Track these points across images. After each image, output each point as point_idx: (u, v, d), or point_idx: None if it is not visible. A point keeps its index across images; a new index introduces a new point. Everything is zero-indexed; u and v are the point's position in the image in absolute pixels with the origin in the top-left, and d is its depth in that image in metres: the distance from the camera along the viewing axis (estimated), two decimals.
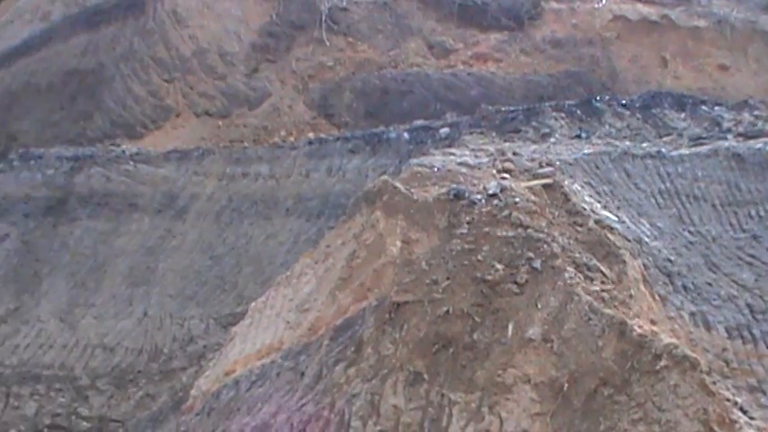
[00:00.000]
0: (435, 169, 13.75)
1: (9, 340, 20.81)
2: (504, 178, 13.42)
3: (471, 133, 18.61)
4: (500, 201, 12.22)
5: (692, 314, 12.28)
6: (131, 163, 23.44)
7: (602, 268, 11.29)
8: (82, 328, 20.59)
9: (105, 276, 21.40)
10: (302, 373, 11.54)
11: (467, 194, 12.35)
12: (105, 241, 22.05)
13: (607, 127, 18.68)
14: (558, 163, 14.47)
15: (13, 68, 32.26)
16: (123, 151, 24.45)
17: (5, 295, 21.71)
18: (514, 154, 15.17)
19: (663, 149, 16.13)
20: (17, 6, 36.57)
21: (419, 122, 22.47)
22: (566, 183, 13.45)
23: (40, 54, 31.76)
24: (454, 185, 12.72)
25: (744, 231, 14.24)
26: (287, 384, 11.71)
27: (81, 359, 20.10)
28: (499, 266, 11.04)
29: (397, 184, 12.62)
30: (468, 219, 11.90)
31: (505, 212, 11.91)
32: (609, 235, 12.15)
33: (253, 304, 14.67)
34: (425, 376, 10.32)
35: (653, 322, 10.68)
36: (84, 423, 19.15)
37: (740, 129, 17.79)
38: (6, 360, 20.40)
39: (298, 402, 11.22)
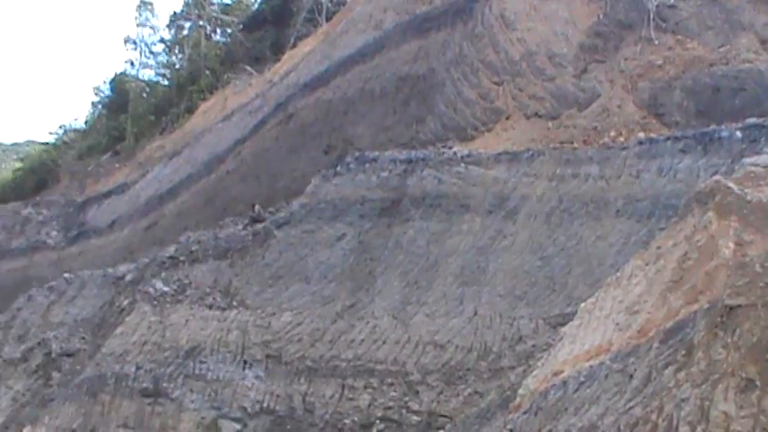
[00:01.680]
0: None
1: (345, 335, 22.33)
2: None
3: None
4: None
5: None
6: (463, 165, 24.28)
7: None
8: (414, 325, 21.71)
9: (437, 275, 22.41)
10: (631, 376, 11.58)
11: None
12: (437, 241, 23.08)
13: None
14: None
15: (348, 75, 34.43)
16: (455, 153, 25.37)
17: (342, 292, 23.28)
18: None
19: None
20: (351, 17, 38.97)
21: (752, 120, 21.70)
22: None
23: (373, 61, 33.72)
24: None
25: None
26: (615, 386, 11.80)
27: (412, 355, 21.22)
28: None
29: (730, 185, 12.33)
30: None
31: None
32: None
33: (582, 305, 14.72)
34: (758, 383, 10.00)
35: None
36: (414, 417, 20.18)
37: None
38: (342, 354, 21.89)
39: (625, 405, 11.29)
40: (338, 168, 26.65)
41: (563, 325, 15.99)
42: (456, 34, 30.78)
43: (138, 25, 71.15)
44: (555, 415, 12.76)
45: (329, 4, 53.00)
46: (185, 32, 71.45)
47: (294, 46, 50.85)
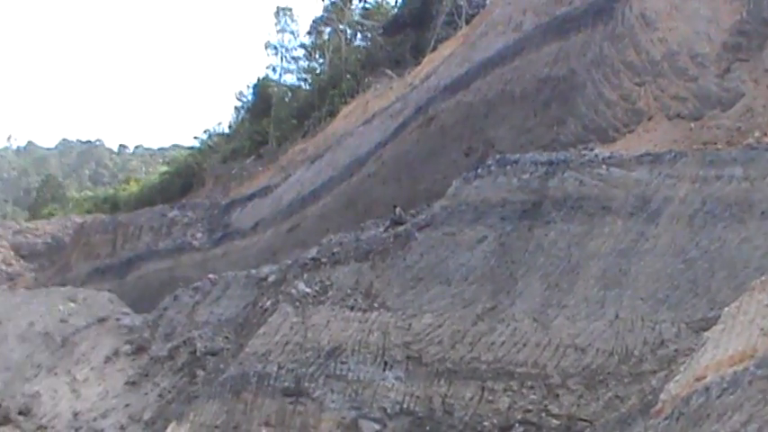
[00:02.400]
0: None
1: (485, 337, 22.44)
2: None
3: None
4: None
5: None
6: (604, 167, 24.09)
7: None
8: (555, 328, 21.70)
9: (578, 278, 22.33)
10: None
11: None
12: (578, 244, 22.98)
13: None
14: None
15: (488, 78, 34.58)
16: (596, 155, 25.20)
17: (483, 294, 23.39)
18: None
19: None
20: (491, 19, 39.09)
21: None
22: None
23: (513, 63, 33.78)
24: None
25: None
26: (759, 393, 11.74)
27: (553, 358, 21.21)
28: None
29: None
30: None
31: None
32: None
33: (726, 309, 14.63)
34: None
35: None
36: (554, 420, 20.18)
37: None
38: (482, 356, 22.02)
39: None
40: (479, 171, 26.70)
41: (706, 329, 15.86)
42: (596, 35, 30.58)
43: (277, 31, 72.81)
44: (697, 421, 12.71)
45: (468, 7, 53.21)
46: (325, 37, 72.73)
47: (434, 49, 51.26)
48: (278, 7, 72.18)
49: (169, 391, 32.27)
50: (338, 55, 67.99)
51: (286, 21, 72.58)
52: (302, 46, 75.35)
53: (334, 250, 29.47)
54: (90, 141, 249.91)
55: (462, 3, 53.99)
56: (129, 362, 36.89)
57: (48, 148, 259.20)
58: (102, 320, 44.52)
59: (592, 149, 26.45)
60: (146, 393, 33.55)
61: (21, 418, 37.36)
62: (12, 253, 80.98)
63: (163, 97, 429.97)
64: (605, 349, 20.64)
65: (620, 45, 29.56)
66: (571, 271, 22.55)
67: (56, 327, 50.15)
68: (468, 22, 49.91)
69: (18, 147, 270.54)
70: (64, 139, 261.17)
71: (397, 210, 30.43)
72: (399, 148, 40.40)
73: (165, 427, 28.22)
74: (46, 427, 35.97)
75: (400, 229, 28.06)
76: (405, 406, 22.52)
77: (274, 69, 74.76)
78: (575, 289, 22.08)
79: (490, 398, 21.20)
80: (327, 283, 27.43)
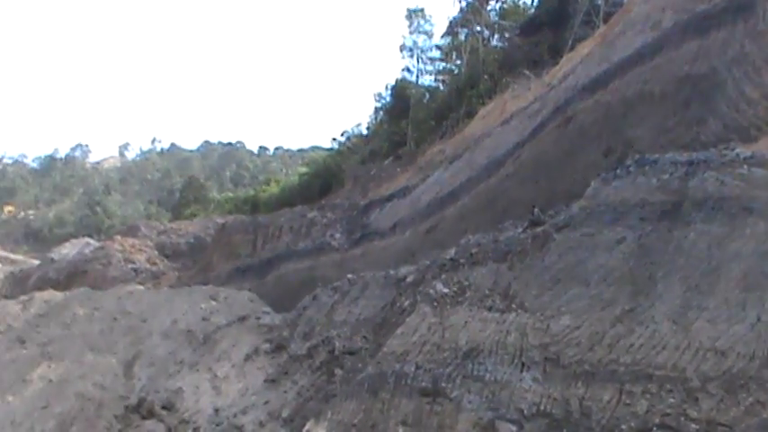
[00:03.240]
0: None
1: (624, 339, 22.29)
2: None
3: None
4: None
5: None
6: (745, 167, 23.70)
7: None
8: (694, 330, 21.40)
9: (719, 280, 21.97)
10: None
11: None
12: (719, 245, 22.62)
13: None
14: None
15: (627, 77, 34.31)
16: (737, 155, 24.73)
17: (621, 296, 23.25)
18: None
19: None
20: (629, 17, 38.75)
21: None
22: None
23: (652, 62, 33.44)
24: None
25: None
26: None
27: (692, 361, 20.94)
28: None
29: None
30: None
31: None
32: None
33: None
34: None
35: None
36: (693, 425, 19.87)
37: None
38: (621, 358, 21.90)
39: None
40: (618, 171, 26.55)
41: None
42: (737, 32, 30.04)
43: (411, 32, 73.44)
44: None
45: (606, 6, 52.79)
46: (462, 38, 73.05)
47: (572, 48, 51.10)
48: (408, 9, 72.86)
49: (307, 390, 32.95)
50: (475, 56, 68.22)
51: (418, 22, 73.19)
52: (437, 47, 75.84)
53: (473, 251, 29.63)
54: (231, 143, 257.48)
55: (600, 1, 53.64)
56: (268, 360, 37.89)
57: (190, 150, 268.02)
58: (242, 319, 45.90)
59: (733, 149, 25.92)
60: (284, 391, 34.34)
61: (164, 412, 38.86)
62: (156, 252, 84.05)
63: (302, 99, 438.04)
64: (746, 353, 20.32)
65: (761, 42, 29.01)
66: (711, 273, 22.22)
67: (198, 324, 51.92)
68: (605, 21, 49.55)
69: (162, 149, 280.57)
70: (206, 141, 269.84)
71: (536, 210, 30.34)
72: (537, 149, 40.39)
73: (303, 425, 28.75)
74: (188, 422, 37.27)
75: (538, 229, 28.01)
76: (542, 408, 22.47)
77: (409, 71, 75.47)
78: (715, 291, 21.76)
79: (628, 401, 20.99)
80: (465, 283, 27.60)
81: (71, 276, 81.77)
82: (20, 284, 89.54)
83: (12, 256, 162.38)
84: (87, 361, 53.49)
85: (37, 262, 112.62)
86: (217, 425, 35.82)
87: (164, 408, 39.13)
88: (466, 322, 25.71)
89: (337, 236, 57.73)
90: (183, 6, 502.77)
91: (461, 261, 29.29)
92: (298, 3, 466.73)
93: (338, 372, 31.88)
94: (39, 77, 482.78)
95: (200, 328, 51.01)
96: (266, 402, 34.54)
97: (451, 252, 31.26)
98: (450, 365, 24.73)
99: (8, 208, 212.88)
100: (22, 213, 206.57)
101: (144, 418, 39.69)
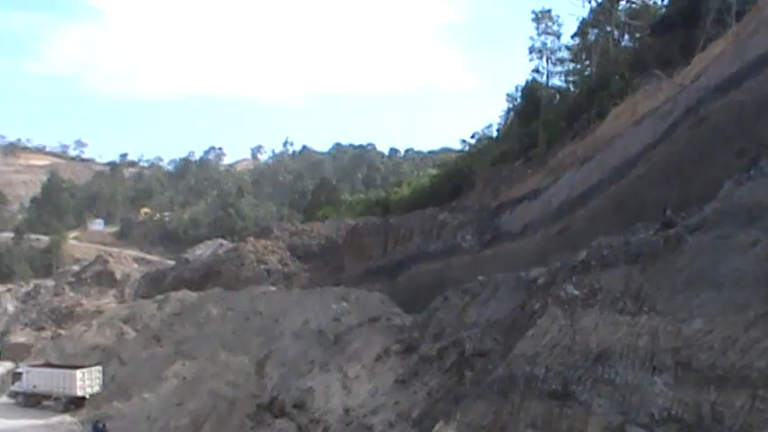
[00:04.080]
0: None
1: (758, 344, 21.77)
2: None
3: None
4: None
5: None
6: None
7: None
8: None
9: None
10: None
11: None
12: None
13: None
14: None
15: (760, 76, 33.66)
16: None
17: (755, 299, 22.77)
18: None
19: None
20: (762, 15, 37.97)
21: None
22: None
23: None
24: None
25: None
26: None
27: None
28: None
29: None
30: None
31: None
32: None
33: None
34: None
35: None
36: None
37: None
38: (755, 363, 21.49)
39: None
40: (751, 172, 26.23)
41: None
42: None
43: (539, 34, 73.09)
44: None
45: (738, 5, 51.72)
46: (591, 38, 72.43)
47: (704, 48, 50.22)
48: (534, 11, 72.50)
49: (437, 391, 33.35)
50: (606, 56, 67.59)
51: (546, 23, 72.79)
52: (566, 48, 75.32)
53: (604, 253, 29.62)
54: (362, 145, 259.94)
55: (732, 0, 52.51)
56: (398, 361, 38.50)
57: (322, 153, 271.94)
58: (373, 320, 46.76)
59: None
60: (414, 392, 34.84)
61: (295, 411, 39.94)
62: (288, 254, 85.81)
63: (433, 101, 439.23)
64: None
65: None
66: None
67: (329, 325, 53.11)
68: (738, 20, 48.57)
69: (293, 151, 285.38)
70: (337, 144, 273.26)
71: (668, 212, 30.17)
72: (669, 150, 39.95)
73: (433, 426, 29.24)
74: (318, 421, 38.21)
75: (671, 231, 27.91)
76: (673, 412, 22.35)
77: (538, 72, 75.14)
78: None
79: (761, 406, 20.67)
80: (596, 285, 27.64)
81: (205, 277, 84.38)
82: (156, 284, 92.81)
83: (148, 256, 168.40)
84: (220, 360, 55.42)
85: (172, 263, 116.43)
86: (347, 424, 36.58)
87: (294, 406, 40.18)
88: (597, 325, 25.74)
89: (468, 237, 57.98)
90: (320, 17, 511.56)
91: (592, 263, 29.27)
92: (430, 6, 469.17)
93: (468, 373, 32.18)
94: (173, 82, 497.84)
95: (331, 329, 52.11)
96: (396, 403, 35.11)
97: (582, 254, 31.23)
98: (581, 368, 24.80)
99: (144, 210, 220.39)
100: (158, 215, 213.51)
101: (275, 416, 40.84)
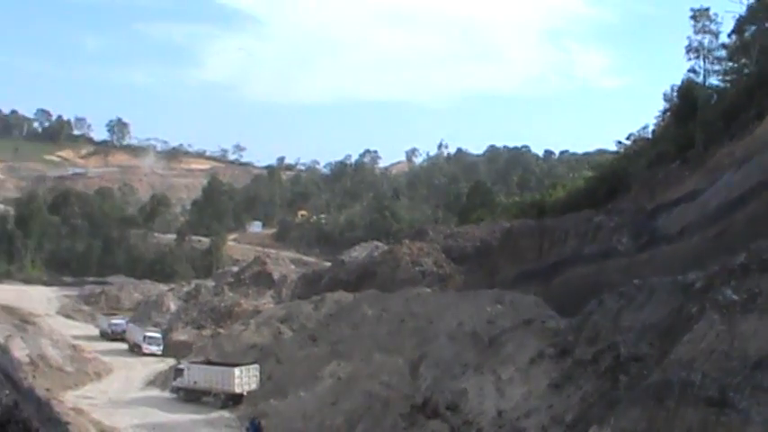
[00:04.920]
0: None
1: None
2: None
3: None
4: None
5: None
6: None
7: None
8: None
9: None
10: None
11: None
12: None
13: None
14: None
15: None
16: None
17: None
18: None
19: None
20: None
21: None
22: None
23: None
24: None
25: None
26: None
27: None
28: None
29: None
30: None
31: None
32: None
33: None
34: None
35: None
36: None
37: None
38: None
39: None
40: None
41: None
42: None
43: (696, 33, 71.23)
44: None
45: None
46: (747, 36, 70.28)
47: None
48: (692, 9, 70.61)
49: (591, 395, 33.07)
50: (764, 54, 65.52)
51: (704, 22, 70.86)
52: (724, 46, 73.24)
53: (764, 256, 28.92)
54: (517, 148, 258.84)
55: None
56: (552, 364, 38.30)
57: (476, 155, 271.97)
58: (527, 322, 46.55)
59: None
60: (568, 396, 34.63)
61: (448, 412, 40.16)
62: (443, 256, 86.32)
63: (588, 103, 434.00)
64: None
65: None
66: None
67: (483, 327, 53.19)
68: None
69: (448, 154, 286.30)
70: (492, 146, 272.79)
71: None
72: None
73: (586, 431, 29.11)
74: (471, 423, 38.33)
75: None
76: None
77: (695, 72, 73.31)
78: None
79: None
80: (756, 290, 27.05)
81: (360, 278, 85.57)
82: (312, 285, 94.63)
83: (305, 258, 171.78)
84: (375, 360, 56.23)
85: (328, 264, 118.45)
86: (499, 427, 36.63)
87: (448, 408, 40.43)
88: (756, 330, 25.17)
89: (624, 240, 57.22)
90: (471, 20, 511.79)
91: (752, 267, 28.62)
92: (583, 7, 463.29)
93: (623, 378, 31.82)
94: (329, 87, 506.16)
95: (485, 331, 52.20)
96: (550, 406, 34.97)
97: (741, 257, 30.51)
98: (739, 375, 24.25)
99: (302, 212, 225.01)
100: (315, 218, 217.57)
101: (429, 417, 41.20)
